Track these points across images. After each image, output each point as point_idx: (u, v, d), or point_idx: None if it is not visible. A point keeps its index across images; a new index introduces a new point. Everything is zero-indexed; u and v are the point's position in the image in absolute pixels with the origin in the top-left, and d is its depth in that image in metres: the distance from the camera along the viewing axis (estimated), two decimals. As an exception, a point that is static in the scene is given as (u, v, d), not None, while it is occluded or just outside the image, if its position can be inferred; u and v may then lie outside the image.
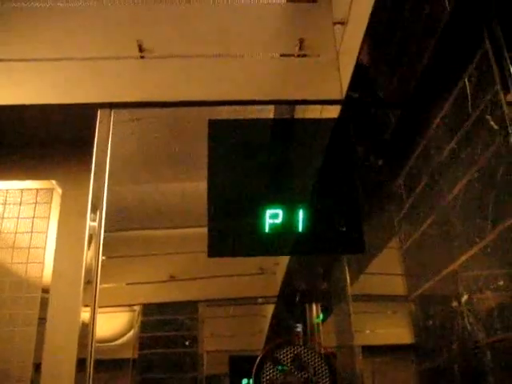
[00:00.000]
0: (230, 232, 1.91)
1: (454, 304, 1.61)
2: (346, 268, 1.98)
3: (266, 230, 1.89)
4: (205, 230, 1.89)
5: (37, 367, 2.02)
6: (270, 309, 1.96)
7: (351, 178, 2.01)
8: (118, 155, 2.04)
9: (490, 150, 1.41)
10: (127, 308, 1.96)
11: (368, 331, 1.96)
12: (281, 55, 2.26)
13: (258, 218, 1.91)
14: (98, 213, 1.93)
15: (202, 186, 1.97)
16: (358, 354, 1.86)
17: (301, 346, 1.77)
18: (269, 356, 1.74)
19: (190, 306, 1.93)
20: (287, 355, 1.76)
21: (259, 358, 1.74)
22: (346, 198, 1.97)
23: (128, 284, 1.97)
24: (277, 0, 2.35)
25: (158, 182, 2.17)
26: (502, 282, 1.37)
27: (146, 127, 2.16)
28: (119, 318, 1.94)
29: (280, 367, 1.73)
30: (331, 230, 1.93)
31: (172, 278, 1.96)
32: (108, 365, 1.80)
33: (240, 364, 1.81)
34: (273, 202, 1.93)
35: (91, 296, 1.82)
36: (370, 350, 1.92)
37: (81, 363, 1.74)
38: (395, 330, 2.03)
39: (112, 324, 1.89)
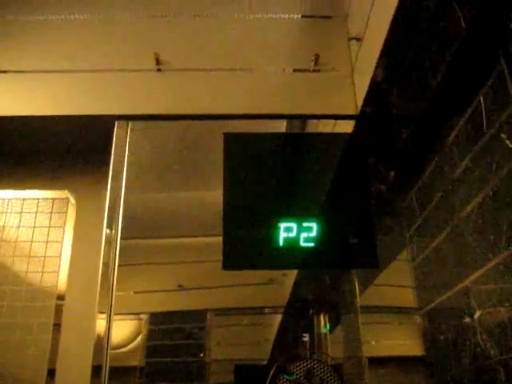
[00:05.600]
0: (245, 245, 1.92)
1: (467, 320, 1.62)
2: (355, 279, 1.99)
3: (281, 243, 1.90)
4: (215, 239, 1.91)
5: (50, 373, 2.03)
6: (276, 318, 1.96)
7: (365, 193, 2.02)
8: (131, 164, 2.06)
9: (505, 168, 1.42)
10: (134, 316, 1.97)
11: (374, 342, 1.96)
12: (294, 70, 2.28)
13: (273, 231, 1.92)
14: (113, 222, 1.95)
15: (213, 195, 1.99)
16: (365, 364, 1.86)
17: (314, 360, 1.78)
18: (282, 369, 1.75)
19: (198, 315, 1.93)
20: (300, 369, 1.76)
21: (272, 370, 1.75)
22: (360, 213, 1.98)
23: (136, 292, 1.99)
24: (292, 15, 2.38)
25: (169, 192, 2.18)
26: (515, 299, 1.38)
27: (160, 138, 2.19)
28: (125, 326, 1.95)
29: (293, 379, 1.74)
30: (345, 245, 1.94)
31: (180, 287, 1.98)
32: (115, 372, 1.81)
33: (245, 373, 1.80)
34: (287, 215, 1.95)
35: (106, 303, 1.83)
36: (377, 361, 1.93)
37: (96, 370, 1.75)
38: (402, 342, 2.03)
39: (118, 332, 1.89)
